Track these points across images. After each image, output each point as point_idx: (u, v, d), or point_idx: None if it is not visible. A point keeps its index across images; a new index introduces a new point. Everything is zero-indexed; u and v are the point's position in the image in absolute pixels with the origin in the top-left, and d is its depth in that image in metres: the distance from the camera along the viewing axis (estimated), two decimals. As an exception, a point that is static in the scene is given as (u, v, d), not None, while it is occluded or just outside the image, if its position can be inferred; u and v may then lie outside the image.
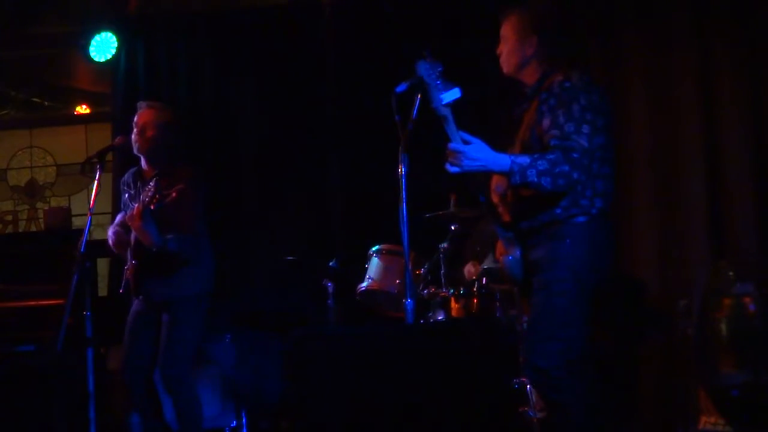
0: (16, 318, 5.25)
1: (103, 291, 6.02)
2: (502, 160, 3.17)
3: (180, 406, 4.34)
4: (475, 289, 4.75)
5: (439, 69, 3.20)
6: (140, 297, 4.42)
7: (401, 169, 3.64)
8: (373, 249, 4.96)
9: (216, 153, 6.02)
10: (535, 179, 3.11)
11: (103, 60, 6.16)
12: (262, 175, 6.04)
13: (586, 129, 3.16)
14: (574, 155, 3.12)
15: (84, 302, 4.25)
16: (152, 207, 4.05)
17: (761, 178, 5.03)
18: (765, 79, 5.07)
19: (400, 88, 3.63)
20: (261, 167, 6.06)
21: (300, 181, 5.99)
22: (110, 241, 4.44)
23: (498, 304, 4.79)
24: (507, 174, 3.17)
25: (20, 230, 7.40)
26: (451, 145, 3.20)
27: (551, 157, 3.11)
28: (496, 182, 3.49)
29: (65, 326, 4.10)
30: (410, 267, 3.79)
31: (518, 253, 3.32)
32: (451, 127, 3.20)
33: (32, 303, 5.29)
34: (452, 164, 3.22)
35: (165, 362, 4.31)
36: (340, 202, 5.95)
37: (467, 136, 3.22)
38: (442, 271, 4.81)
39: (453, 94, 3.20)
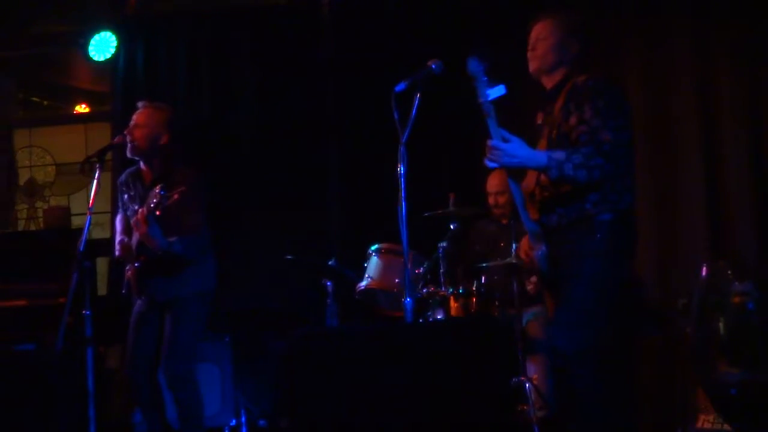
0: (16, 317, 5.25)
1: (102, 290, 6.03)
2: (539, 157, 3.25)
3: (183, 402, 4.34)
4: (474, 289, 4.77)
5: (486, 66, 3.28)
6: (142, 297, 4.43)
7: (400, 168, 3.65)
8: (373, 248, 4.96)
9: (215, 152, 6.02)
10: (571, 173, 3.20)
11: (102, 59, 6.17)
12: (261, 175, 6.05)
13: (611, 124, 3.26)
14: (606, 147, 3.21)
15: (83, 301, 4.24)
16: (158, 213, 4.05)
17: (760, 178, 5.04)
18: (764, 80, 5.08)
19: (400, 87, 3.65)
20: (260, 166, 6.06)
21: (299, 180, 6.00)
22: (117, 253, 4.45)
23: (497, 303, 4.81)
24: (544, 169, 3.25)
25: (20, 229, 7.39)
26: (492, 142, 3.27)
27: (585, 150, 3.21)
28: (526, 180, 3.55)
29: (65, 325, 4.10)
30: (409, 266, 3.80)
31: (544, 247, 3.38)
32: (493, 124, 3.27)
33: (32, 302, 5.29)
34: (491, 160, 3.29)
35: (169, 359, 4.32)
36: (340, 201, 5.96)
37: (506, 134, 3.28)
38: (442, 270, 4.82)
39: (498, 91, 3.28)
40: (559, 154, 3.21)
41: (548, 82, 3.50)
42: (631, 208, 3.41)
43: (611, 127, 3.24)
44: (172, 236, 4.20)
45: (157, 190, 4.02)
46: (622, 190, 3.33)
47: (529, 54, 3.52)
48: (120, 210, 4.63)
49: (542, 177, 3.39)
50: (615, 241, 3.33)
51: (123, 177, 4.60)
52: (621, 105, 3.36)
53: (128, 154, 4.46)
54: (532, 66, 3.51)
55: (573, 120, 3.31)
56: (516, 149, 3.26)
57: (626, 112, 3.38)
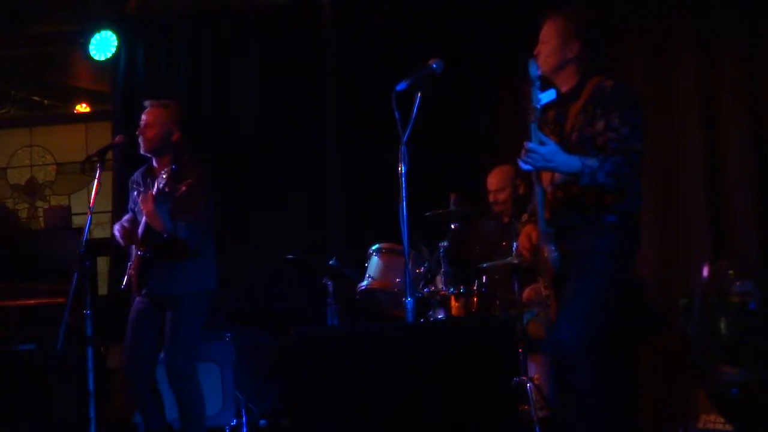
0: (17, 316, 5.25)
1: (103, 290, 6.02)
2: (573, 163, 3.28)
3: (184, 400, 4.36)
4: (475, 288, 4.76)
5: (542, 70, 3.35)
6: (142, 293, 4.43)
7: (401, 167, 3.64)
8: (373, 248, 4.96)
9: (215, 151, 6.01)
10: (603, 180, 3.27)
11: (103, 59, 6.17)
12: (261, 174, 6.04)
13: (638, 132, 3.33)
14: (634, 157, 3.30)
15: (84, 301, 4.24)
16: (167, 190, 4.07)
17: (761, 178, 5.04)
18: (764, 80, 5.08)
19: (401, 86, 3.64)
20: (261, 166, 6.05)
21: (300, 180, 5.99)
22: (117, 234, 4.45)
23: (498, 302, 4.80)
24: (576, 175, 3.29)
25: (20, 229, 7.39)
26: (530, 145, 3.27)
27: (615, 159, 3.27)
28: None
29: (65, 325, 4.10)
30: (410, 265, 3.80)
31: (555, 248, 3.39)
32: (535, 127, 3.29)
33: (32, 302, 5.29)
34: (526, 162, 3.30)
35: (170, 357, 4.33)
36: (340, 200, 5.95)
37: (544, 138, 3.30)
38: (443, 270, 4.81)
39: (549, 95, 3.35)
40: (592, 162, 3.27)
41: (562, 83, 3.53)
42: (637, 211, 3.45)
43: (639, 137, 3.32)
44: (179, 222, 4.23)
45: (167, 169, 4.05)
46: (633, 195, 3.39)
47: (536, 57, 3.53)
48: (129, 210, 4.64)
49: (556, 175, 3.42)
50: (620, 241, 3.38)
51: (135, 175, 4.64)
52: (642, 111, 3.43)
53: (141, 152, 4.51)
54: (541, 69, 3.53)
55: (600, 125, 3.36)
56: (552, 154, 3.28)
57: (644, 118, 3.44)
